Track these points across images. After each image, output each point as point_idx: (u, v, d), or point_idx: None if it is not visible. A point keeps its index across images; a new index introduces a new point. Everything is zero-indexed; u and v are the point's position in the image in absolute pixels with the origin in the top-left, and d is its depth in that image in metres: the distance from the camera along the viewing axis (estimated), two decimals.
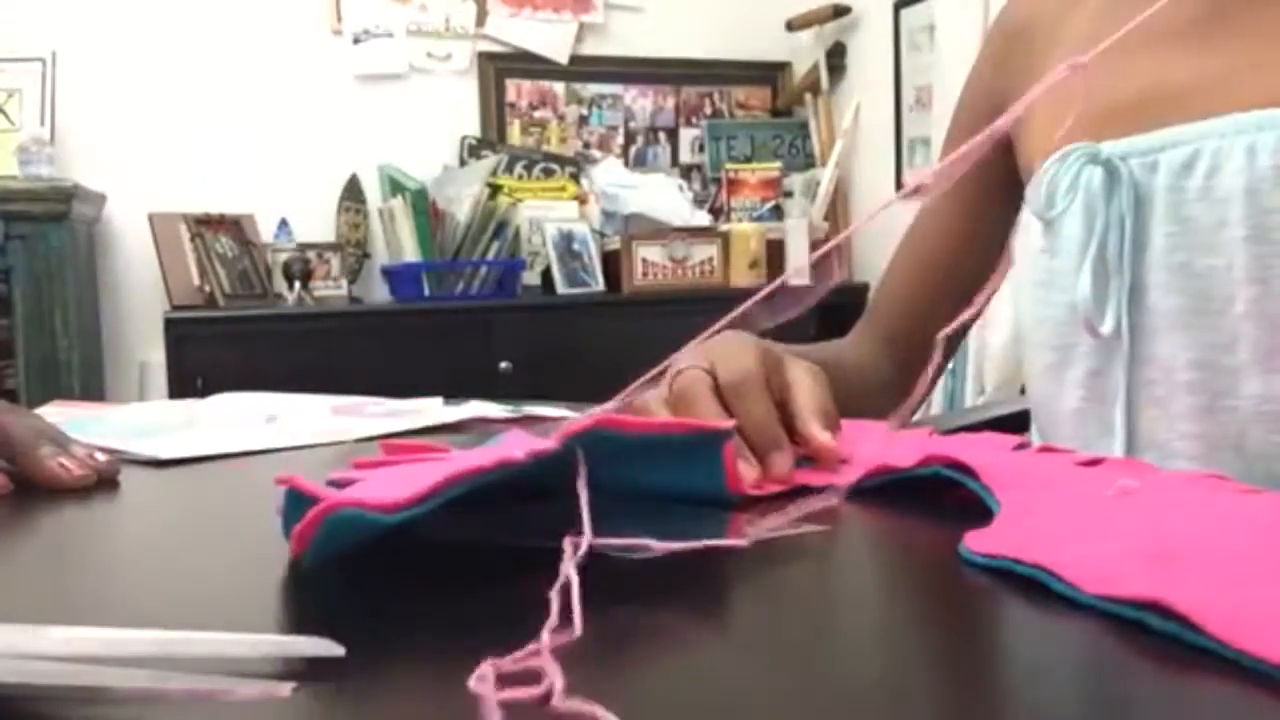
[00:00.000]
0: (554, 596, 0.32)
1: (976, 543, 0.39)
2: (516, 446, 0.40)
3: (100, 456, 0.60)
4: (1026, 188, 0.77)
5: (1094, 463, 0.54)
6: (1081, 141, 0.69)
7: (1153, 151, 0.66)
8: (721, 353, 0.59)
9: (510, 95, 3.13)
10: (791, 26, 3.24)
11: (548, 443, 0.39)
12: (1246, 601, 0.31)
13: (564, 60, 3.15)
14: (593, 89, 3.22)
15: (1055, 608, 0.33)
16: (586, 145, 3.22)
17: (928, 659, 0.31)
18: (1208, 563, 0.34)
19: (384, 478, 0.47)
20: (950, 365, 2.62)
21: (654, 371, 0.56)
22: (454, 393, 0.96)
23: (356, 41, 2.95)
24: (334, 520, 0.34)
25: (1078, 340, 0.71)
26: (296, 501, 0.36)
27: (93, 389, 2.55)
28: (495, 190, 2.86)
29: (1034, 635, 0.31)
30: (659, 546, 0.39)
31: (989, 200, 0.85)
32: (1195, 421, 0.65)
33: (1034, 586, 0.34)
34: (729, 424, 0.49)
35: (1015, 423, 0.96)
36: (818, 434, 0.56)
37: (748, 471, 0.52)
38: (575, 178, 3.06)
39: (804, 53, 3.28)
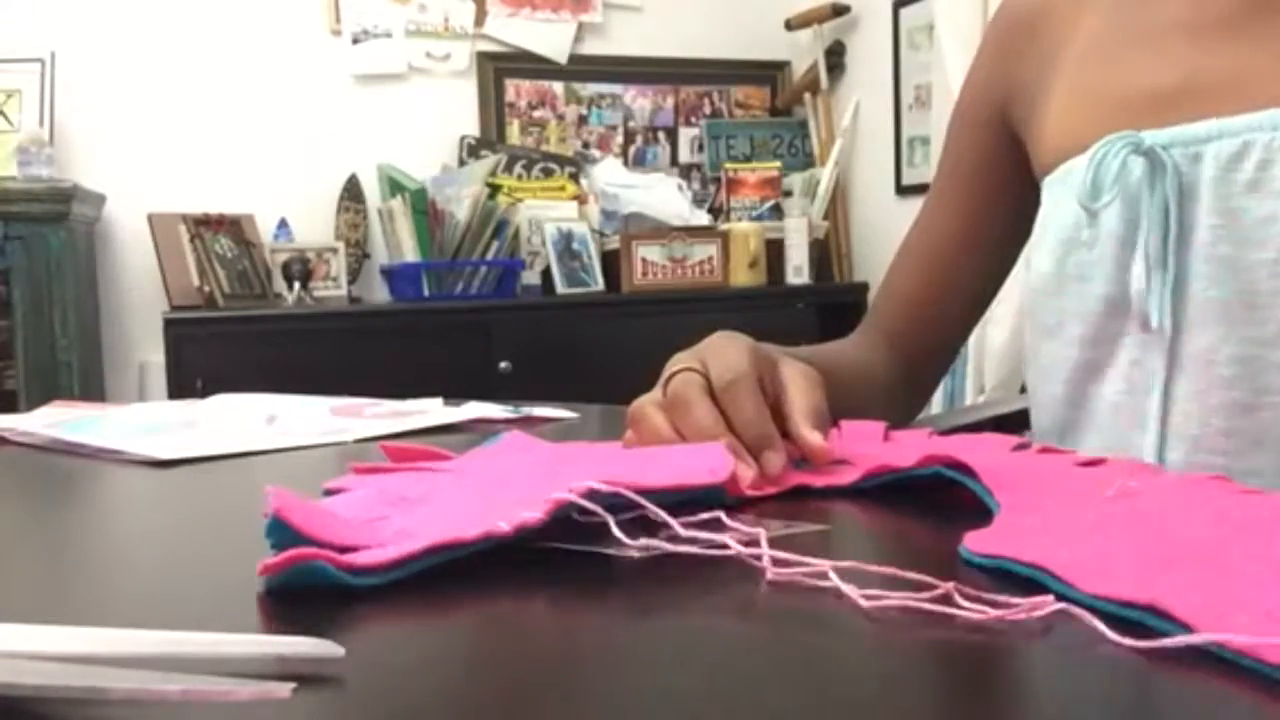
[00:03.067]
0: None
1: (976, 543, 0.39)
2: (499, 515, 0.40)
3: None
4: (1043, 181, 0.76)
5: (1094, 463, 0.54)
6: (1115, 131, 0.68)
7: (1197, 142, 0.65)
8: (714, 353, 0.58)
9: (509, 95, 3.13)
10: (790, 25, 3.24)
11: (534, 514, 0.39)
12: (1245, 603, 0.31)
13: (563, 60, 3.15)
14: (592, 89, 3.22)
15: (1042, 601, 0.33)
16: (586, 145, 3.22)
17: (927, 659, 0.31)
18: (1207, 564, 0.34)
19: (370, 497, 0.47)
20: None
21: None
22: (454, 393, 0.96)
23: (355, 41, 2.95)
24: (302, 568, 0.35)
25: (1120, 333, 0.69)
26: (276, 524, 0.37)
27: (93, 389, 2.55)
28: (494, 190, 2.86)
29: (1032, 636, 0.31)
30: (671, 546, 0.39)
31: (995, 199, 0.84)
32: (1233, 417, 0.64)
33: (1033, 586, 0.34)
34: (724, 476, 0.48)
35: (1015, 422, 0.96)
36: (808, 434, 0.56)
37: (745, 472, 0.52)
38: (574, 177, 3.06)
39: (803, 52, 3.28)
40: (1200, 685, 0.27)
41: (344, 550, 0.37)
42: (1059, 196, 0.73)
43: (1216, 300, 0.64)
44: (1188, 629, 0.29)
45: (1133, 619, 0.31)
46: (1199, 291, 0.65)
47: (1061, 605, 0.31)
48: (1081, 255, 0.70)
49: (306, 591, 0.35)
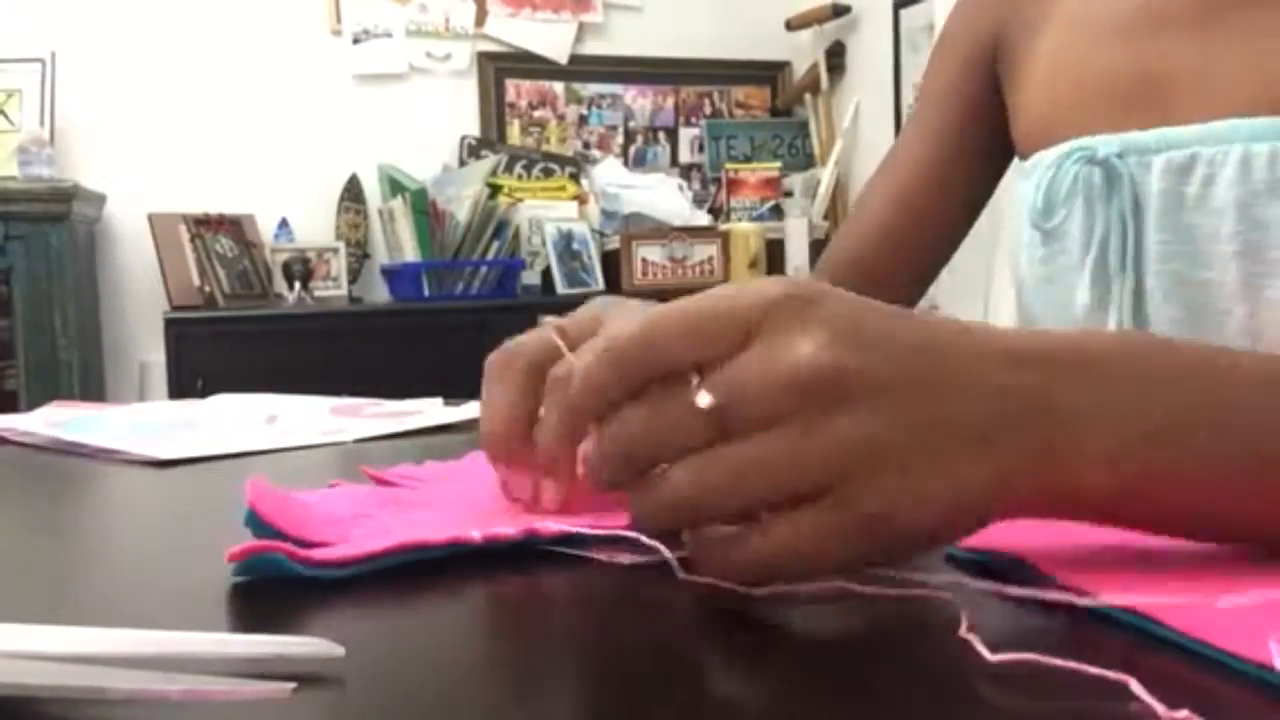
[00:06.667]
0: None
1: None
2: (474, 522, 0.40)
3: None
4: (1022, 163, 0.74)
5: None
6: (1073, 128, 0.66)
7: (1149, 151, 0.64)
8: (617, 317, 0.46)
9: (510, 95, 3.13)
10: (791, 26, 3.24)
11: (509, 530, 0.39)
12: (1219, 598, 0.31)
13: (563, 60, 3.15)
14: (592, 89, 3.22)
15: (1034, 601, 0.33)
16: (586, 145, 3.22)
17: (908, 652, 0.31)
18: (1185, 561, 0.35)
19: (361, 494, 0.47)
20: None
21: None
22: (454, 393, 0.96)
23: (356, 41, 2.96)
24: (262, 559, 0.36)
25: None
26: (252, 514, 0.37)
27: (93, 389, 2.55)
28: (495, 190, 2.86)
29: (1012, 628, 0.32)
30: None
31: (973, 139, 0.80)
32: None
33: (1017, 580, 0.34)
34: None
35: None
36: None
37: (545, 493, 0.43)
38: (575, 177, 3.06)
39: (803, 52, 3.28)
40: (1191, 681, 0.27)
41: (311, 545, 0.37)
42: (1022, 192, 0.71)
43: (1171, 318, 0.63)
44: (1163, 626, 0.30)
45: (1105, 612, 0.31)
46: (1157, 307, 0.64)
47: None
48: (1046, 259, 0.69)
49: (306, 591, 0.35)
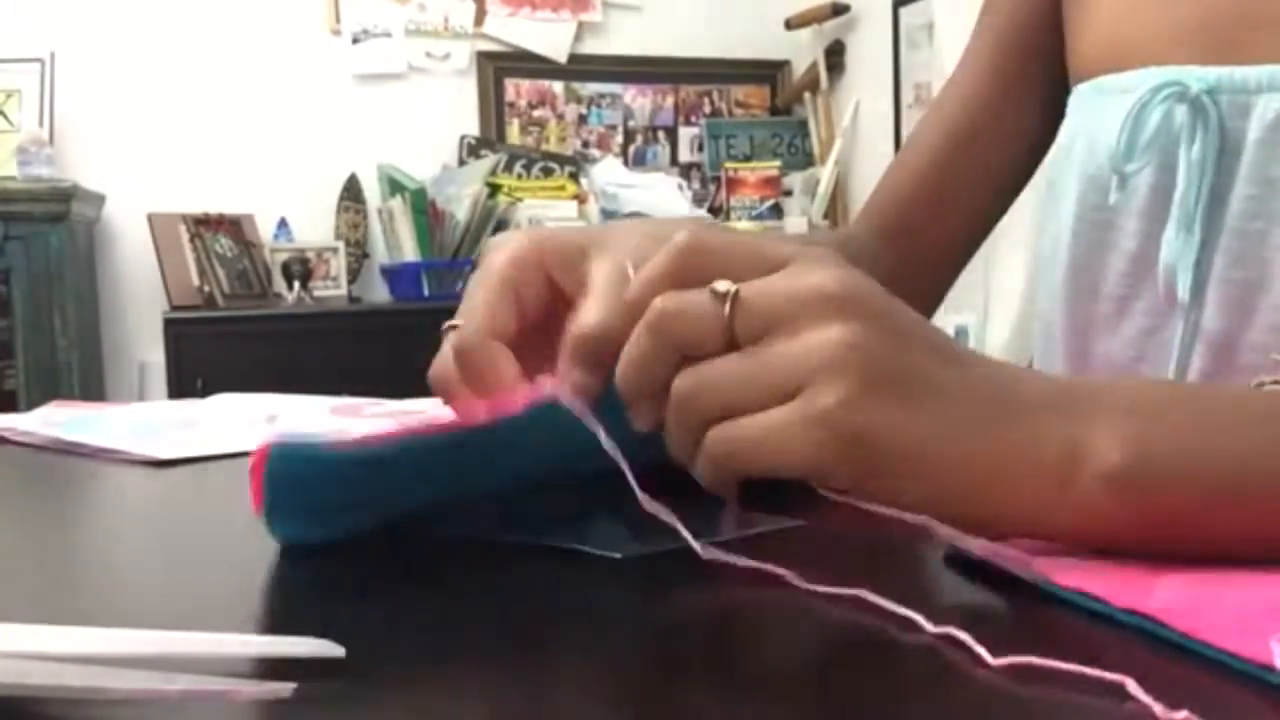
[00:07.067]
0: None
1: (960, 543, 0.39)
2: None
3: None
4: (1074, 86, 0.67)
5: None
6: (1151, 54, 0.59)
7: (1247, 91, 0.56)
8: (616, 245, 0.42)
9: (509, 94, 3.13)
10: (790, 25, 3.24)
11: (519, 403, 0.37)
12: (1219, 598, 0.31)
13: (563, 59, 3.15)
14: (592, 88, 3.22)
15: (1027, 598, 0.33)
16: (585, 144, 3.22)
17: (908, 653, 0.31)
18: (1185, 561, 0.35)
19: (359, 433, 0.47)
20: None
21: None
22: None
23: (355, 41, 2.96)
24: (283, 456, 0.34)
25: (1138, 293, 0.62)
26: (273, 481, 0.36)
27: (92, 389, 2.55)
28: (494, 189, 2.86)
29: (1012, 628, 0.31)
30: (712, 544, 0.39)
31: (1039, 66, 0.73)
32: None
33: (1007, 578, 0.34)
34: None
35: None
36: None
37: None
38: (574, 177, 3.06)
39: (803, 51, 3.28)
40: (1182, 679, 0.27)
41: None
42: (1086, 120, 0.64)
43: (1242, 280, 0.57)
44: (1159, 624, 0.30)
45: (1103, 612, 0.31)
46: (1225, 267, 0.57)
47: None
48: (1104, 200, 0.62)
49: (306, 591, 0.35)
